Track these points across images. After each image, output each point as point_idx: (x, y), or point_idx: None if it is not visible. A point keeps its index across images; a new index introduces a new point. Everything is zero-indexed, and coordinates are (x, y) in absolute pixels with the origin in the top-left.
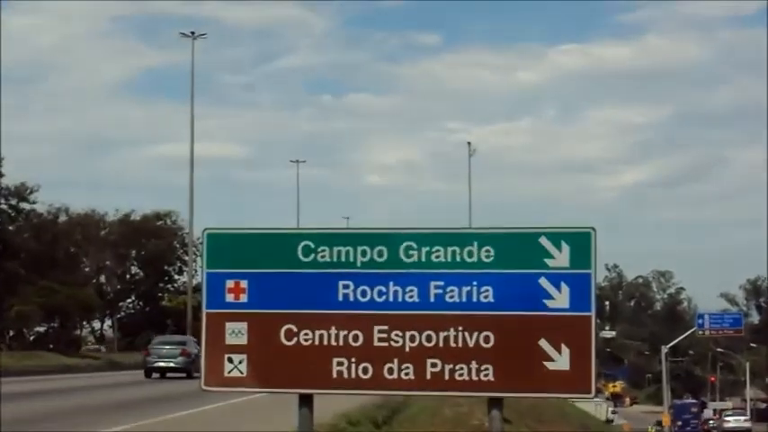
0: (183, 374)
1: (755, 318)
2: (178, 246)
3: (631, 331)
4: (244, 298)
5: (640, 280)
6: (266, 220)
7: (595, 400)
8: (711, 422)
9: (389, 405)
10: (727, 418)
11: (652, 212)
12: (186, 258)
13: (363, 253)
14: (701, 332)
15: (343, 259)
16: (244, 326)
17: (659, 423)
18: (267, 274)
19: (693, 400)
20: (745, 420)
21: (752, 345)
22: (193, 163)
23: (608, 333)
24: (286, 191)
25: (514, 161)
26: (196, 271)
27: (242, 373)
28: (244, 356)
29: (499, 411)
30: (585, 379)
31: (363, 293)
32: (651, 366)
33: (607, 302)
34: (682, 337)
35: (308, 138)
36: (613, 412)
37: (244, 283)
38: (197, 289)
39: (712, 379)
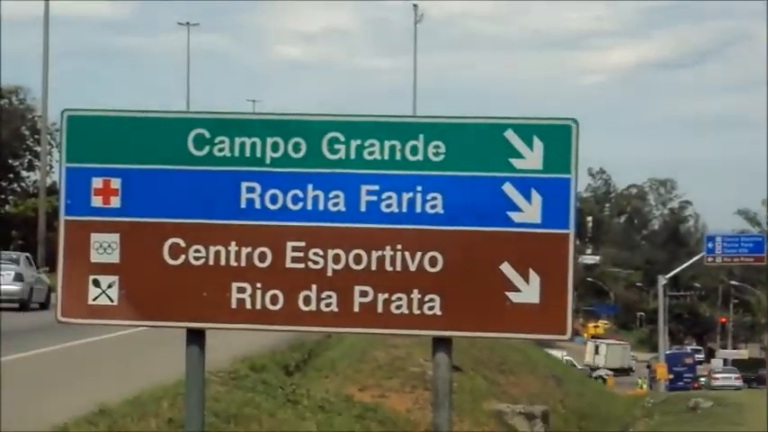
0: (16, 306)
1: None
2: (28, 133)
3: (620, 257)
4: (116, 202)
5: (634, 191)
6: (146, 102)
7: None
8: (703, 379)
9: (305, 346)
10: (716, 376)
11: (651, 103)
12: (38, 149)
13: (274, 146)
14: (710, 259)
15: (247, 154)
16: (115, 238)
17: (652, 377)
18: (147, 172)
19: (688, 350)
20: (736, 378)
21: None
22: (48, 23)
23: (590, 258)
24: (173, 63)
25: (474, 32)
26: (52, 166)
27: (112, 300)
28: (115, 279)
29: (447, 356)
30: (560, 316)
31: (273, 199)
32: (645, 302)
33: (590, 218)
34: (685, 265)
35: None
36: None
37: (116, 183)
38: (53, 190)
39: (723, 320)
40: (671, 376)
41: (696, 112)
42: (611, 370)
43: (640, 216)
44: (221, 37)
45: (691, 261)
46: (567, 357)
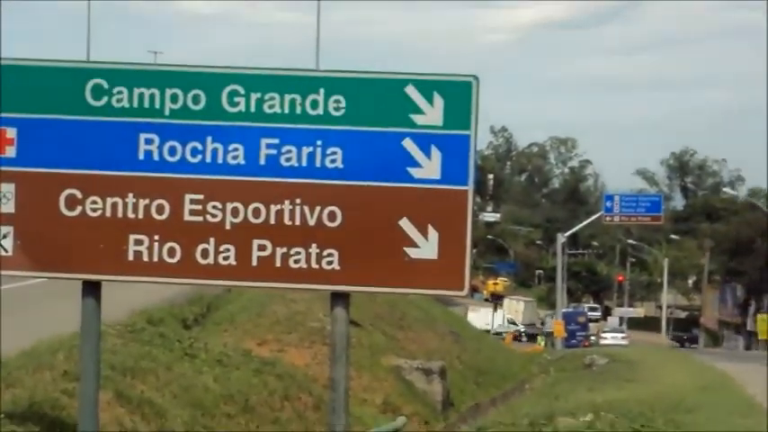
0: None
1: (679, 202)
2: None
3: (521, 214)
4: (11, 152)
5: (535, 149)
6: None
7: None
8: (593, 338)
9: (204, 300)
10: (604, 335)
11: (553, 63)
12: None
13: (174, 98)
14: (608, 218)
15: (146, 105)
16: (10, 188)
17: (549, 333)
18: (43, 121)
19: (581, 309)
20: (623, 338)
21: (672, 236)
22: None
23: (490, 216)
24: (72, 13)
25: None
26: None
27: (6, 251)
28: (10, 229)
29: (345, 310)
30: (457, 272)
31: (172, 151)
32: (544, 260)
33: (491, 176)
34: (584, 223)
35: None
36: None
37: (11, 132)
38: None
39: (620, 279)
40: (564, 334)
41: (597, 72)
42: (526, 328)
43: (541, 174)
44: None
45: (589, 220)
46: (509, 316)
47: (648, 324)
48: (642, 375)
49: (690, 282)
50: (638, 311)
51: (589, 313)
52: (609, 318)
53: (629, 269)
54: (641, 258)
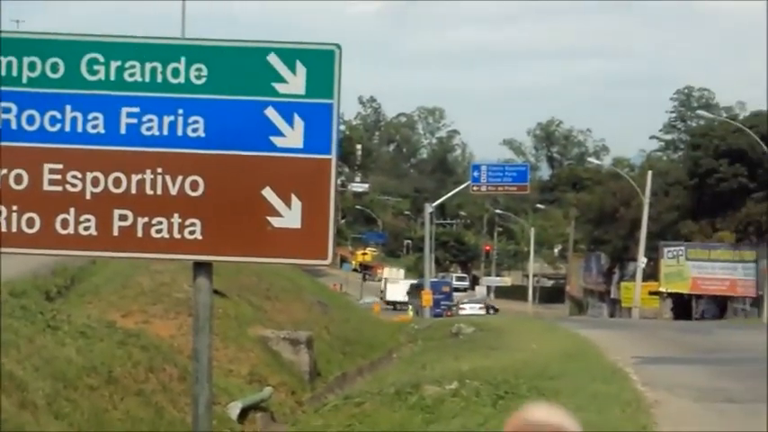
0: None
1: (545, 172)
2: None
3: (389, 185)
4: None
5: (403, 119)
6: None
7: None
8: (454, 308)
9: (67, 271)
10: (463, 306)
11: (424, 33)
12: None
13: (31, 66)
14: (475, 188)
15: (2, 73)
16: None
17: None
18: None
19: (447, 279)
20: (480, 308)
21: (539, 206)
22: None
23: (359, 186)
24: None
25: None
26: None
27: None
28: None
29: (208, 280)
30: (320, 241)
31: (30, 120)
32: (412, 230)
33: (359, 146)
34: (451, 193)
35: None
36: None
37: None
38: None
39: (487, 248)
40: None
41: (464, 42)
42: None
43: (409, 145)
44: None
45: (456, 190)
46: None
47: (515, 293)
48: (508, 343)
49: (556, 251)
50: (505, 280)
51: (456, 283)
52: (477, 287)
53: (497, 239)
54: (508, 228)
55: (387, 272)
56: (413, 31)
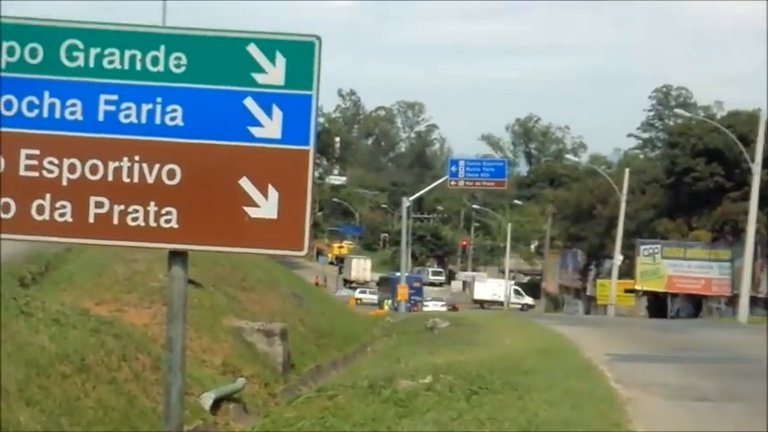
0: None
1: (523, 168)
2: None
3: (367, 178)
4: None
5: (382, 113)
6: None
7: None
8: (419, 304)
9: (43, 258)
10: (426, 303)
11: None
12: None
13: (10, 51)
14: (453, 183)
15: None
16: None
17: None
18: None
19: (417, 275)
20: (442, 306)
21: (516, 201)
22: None
23: (337, 179)
24: None
25: None
26: None
27: None
28: None
29: (183, 269)
30: (296, 232)
31: (8, 105)
32: (390, 224)
33: (338, 139)
34: (429, 187)
35: None
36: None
37: None
38: None
39: (464, 243)
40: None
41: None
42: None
43: (388, 138)
44: None
45: (434, 184)
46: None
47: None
48: (483, 339)
49: (532, 247)
50: (482, 276)
51: (432, 277)
52: (453, 282)
53: (474, 234)
54: (485, 223)
55: (355, 263)
56: (393, 24)
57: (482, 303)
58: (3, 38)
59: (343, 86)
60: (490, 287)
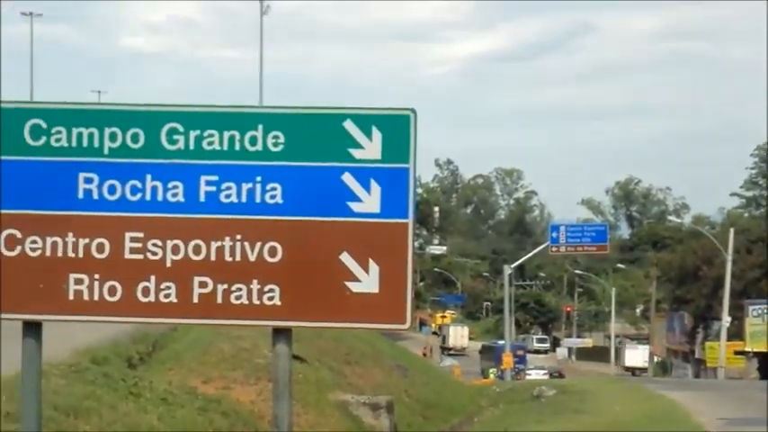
0: None
1: (625, 231)
2: None
3: (467, 247)
4: None
5: (480, 181)
6: None
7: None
8: (522, 372)
9: (148, 338)
10: (529, 372)
11: (497, 95)
12: None
13: (113, 136)
14: (554, 249)
15: (85, 144)
16: None
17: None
18: None
19: (522, 342)
20: (544, 374)
21: (619, 266)
22: None
23: (437, 249)
24: (16, 54)
25: (321, 23)
26: None
27: None
28: None
29: (287, 346)
30: (398, 305)
31: (111, 190)
32: (491, 292)
33: (436, 209)
34: (530, 254)
35: None
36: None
37: None
38: None
39: (568, 309)
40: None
41: (540, 102)
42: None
43: (487, 206)
44: (66, 27)
45: (536, 251)
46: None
47: (597, 354)
48: (591, 406)
49: (638, 311)
50: (587, 342)
51: (537, 345)
52: (558, 348)
53: (577, 299)
54: (589, 288)
55: (452, 330)
56: (487, 93)
57: (633, 371)
58: (105, 124)
59: (439, 155)
60: (641, 354)
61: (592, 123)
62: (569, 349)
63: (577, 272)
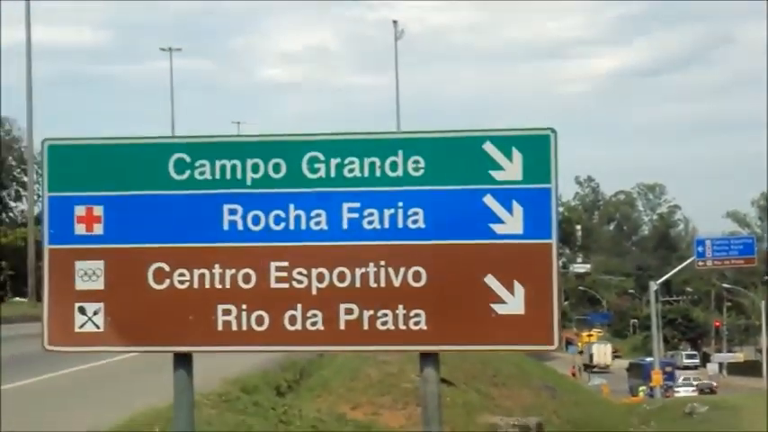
0: None
1: None
2: (15, 163)
3: (611, 264)
4: (99, 229)
5: (622, 197)
6: (130, 128)
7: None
8: (670, 390)
9: (296, 366)
10: (677, 389)
11: (636, 110)
12: (26, 179)
13: (255, 168)
14: (701, 263)
15: (228, 176)
16: (100, 265)
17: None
18: (129, 198)
19: (669, 359)
20: (693, 391)
21: None
22: (30, 52)
23: (581, 267)
24: (157, 89)
25: (455, 45)
26: (39, 196)
27: (98, 327)
28: (100, 306)
29: (435, 370)
30: (545, 326)
31: (256, 220)
32: (638, 309)
33: (579, 227)
34: (676, 269)
35: (181, 19)
36: None
37: (98, 210)
38: (41, 220)
39: (717, 324)
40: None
41: (681, 115)
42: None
43: (630, 222)
44: (204, 61)
45: (681, 266)
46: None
47: (749, 369)
48: (745, 423)
49: None
50: (738, 356)
51: (687, 361)
52: (708, 364)
53: (726, 313)
54: (738, 302)
55: (595, 348)
56: (625, 108)
57: None
58: (247, 155)
59: (580, 173)
60: None
61: (735, 134)
62: (720, 364)
63: (725, 285)
